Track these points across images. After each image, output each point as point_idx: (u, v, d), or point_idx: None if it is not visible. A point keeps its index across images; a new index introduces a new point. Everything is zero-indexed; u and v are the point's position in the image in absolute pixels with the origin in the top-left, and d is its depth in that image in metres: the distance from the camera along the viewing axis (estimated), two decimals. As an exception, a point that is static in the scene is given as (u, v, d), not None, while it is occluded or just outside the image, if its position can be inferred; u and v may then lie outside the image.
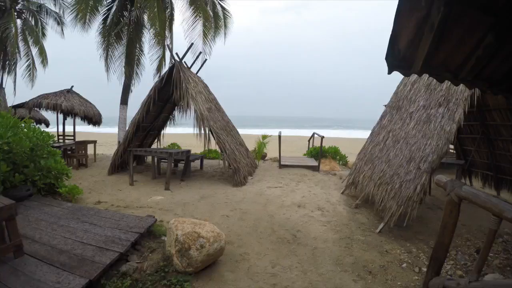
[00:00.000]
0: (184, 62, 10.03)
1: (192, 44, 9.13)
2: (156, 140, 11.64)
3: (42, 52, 14.73)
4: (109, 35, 12.03)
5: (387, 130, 6.57)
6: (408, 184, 4.83)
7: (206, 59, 10.59)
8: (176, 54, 9.47)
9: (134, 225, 4.35)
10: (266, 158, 12.97)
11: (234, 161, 7.69)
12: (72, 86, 12.91)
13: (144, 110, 8.87)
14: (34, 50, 14.83)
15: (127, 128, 9.64)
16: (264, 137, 10.97)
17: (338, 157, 12.01)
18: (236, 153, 8.18)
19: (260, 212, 5.61)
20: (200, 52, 10.09)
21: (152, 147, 12.05)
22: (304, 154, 12.51)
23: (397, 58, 2.24)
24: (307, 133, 51.52)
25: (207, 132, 7.54)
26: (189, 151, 8.32)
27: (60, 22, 15.93)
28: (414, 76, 6.91)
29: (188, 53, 10.71)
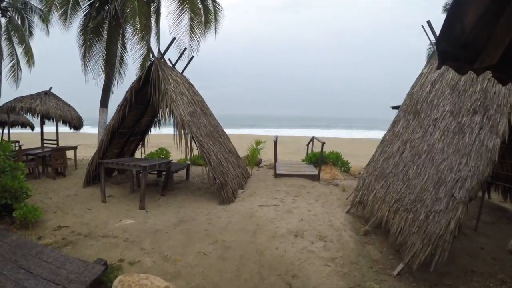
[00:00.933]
0: (169, 59, 8.90)
1: (175, 38, 8.00)
2: (140, 146, 10.51)
3: (28, 52, 13.63)
4: (86, 32, 10.88)
5: (403, 140, 5.45)
6: (437, 217, 3.71)
7: (193, 56, 9.45)
8: (159, 51, 8.36)
9: (75, 276, 3.24)
10: (261, 164, 11.85)
11: (220, 174, 6.56)
12: (51, 88, 11.80)
13: (119, 114, 7.75)
14: (19, 50, 13.74)
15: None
16: (258, 142, 9.84)
17: (339, 163, 10.89)
18: (224, 163, 7.05)
19: (247, 246, 4.48)
20: (185, 48, 8.96)
21: (136, 154, 10.95)
22: (303, 160, 11.39)
23: (456, 44, 1.12)
24: (305, 133, 50.63)
25: (188, 140, 6.42)
26: (169, 162, 7.18)
27: (45, 19, 14.85)
28: (434, 74, 5.79)
29: (176, 50, 9.68)
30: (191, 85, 8.58)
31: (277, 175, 9.13)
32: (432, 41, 6.47)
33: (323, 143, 8.91)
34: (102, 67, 10.60)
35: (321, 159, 9.20)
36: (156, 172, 8.80)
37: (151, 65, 7.27)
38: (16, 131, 14.58)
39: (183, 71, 9.15)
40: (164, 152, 12.18)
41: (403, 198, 4.57)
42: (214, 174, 6.37)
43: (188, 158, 6.96)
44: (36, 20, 14.69)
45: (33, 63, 13.82)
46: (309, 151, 12.51)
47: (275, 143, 9.11)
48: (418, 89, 6.01)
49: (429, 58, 6.59)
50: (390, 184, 5.07)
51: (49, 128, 12.12)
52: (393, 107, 10.04)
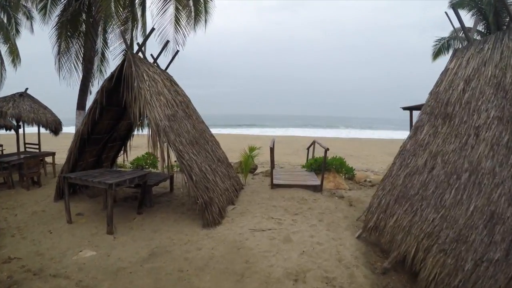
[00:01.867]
0: (151, 55, 7.77)
1: (153, 29, 6.85)
2: (122, 152, 9.39)
3: (14, 51, 12.46)
4: (62, 25, 9.74)
5: (432, 152, 4.33)
6: (492, 269, 2.62)
7: (178, 51, 8.30)
8: (138, 44, 7.24)
9: None
10: (256, 170, 10.73)
11: (204, 191, 5.44)
12: (27, 89, 10.68)
13: (90, 118, 6.64)
14: (4, 49, 12.63)
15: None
16: (252, 149, 8.70)
17: (344, 170, 9.78)
18: (210, 176, 5.92)
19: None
20: (168, 41, 7.81)
21: (120, 160, 9.84)
22: (303, 166, 10.26)
23: None
24: (304, 133, 49.57)
25: (165, 149, 5.30)
26: (145, 175, 6.04)
27: (29, 16, 13.71)
28: (466, 70, 4.67)
29: (167, 46, 8.52)
30: (174, 84, 7.44)
31: (274, 186, 8.01)
32: (457, 27, 5.47)
33: (326, 149, 7.79)
34: (76, 64, 9.44)
35: (324, 167, 8.07)
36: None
37: (124, 60, 6.14)
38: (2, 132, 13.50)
39: (167, 68, 8.03)
40: (152, 157, 11.06)
41: (437, 233, 3.47)
42: (196, 192, 5.24)
43: (165, 169, 5.85)
44: (20, 16, 13.63)
45: (19, 62, 12.71)
46: (309, 155, 11.40)
47: (272, 149, 7.98)
48: (445, 87, 4.89)
49: (455, 51, 5.48)
50: (417, 210, 3.97)
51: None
52: (405, 108, 8.94)
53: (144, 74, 5.96)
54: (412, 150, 4.76)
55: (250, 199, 7.12)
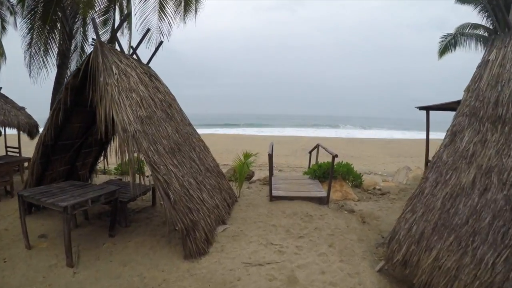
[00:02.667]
0: (131, 47, 6.69)
1: (129, 14, 5.79)
2: (102, 159, 8.31)
3: None
4: (34, 16, 8.65)
5: (482, 167, 3.29)
6: None
7: (161, 41, 7.22)
8: (112, 33, 6.17)
9: None
10: (253, 178, 9.66)
11: (186, 213, 4.37)
12: (0, 88, 9.63)
13: (53, 122, 5.57)
14: None
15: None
16: (247, 156, 7.63)
17: (351, 177, 8.74)
18: (194, 192, 4.85)
19: None
20: (148, 30, 6.72)
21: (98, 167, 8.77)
22: (305, 173, 9.20)
23: None
24: (302, 132, 48.53)
25: (132, 160, 4.22)
26: (114, 191, 4.95)
27: (12, 11, 12.61)
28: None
29: (148, 34, 7.44)
30: (155, 79, 6.34)
31: (273, 198, 6.95)
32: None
33: (334, 156, 6.73)
34: (45, 59, 8.33)
35: (332, 176, 7.01)
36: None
37: (92, 52, 5.06)
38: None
39: (149, 61, 6.95)
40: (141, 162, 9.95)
41: (500, 283, 2.43)
42: (175, 216, 4.16)
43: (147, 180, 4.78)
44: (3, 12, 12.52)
45: (5, 59, 11.60)
46: (313, 160, 10.34)
47: (270, 156, 6.92)
48: (489, 83, 3.85)
49: (492, 41, 4.42)
50: (466, 248, 2.92)
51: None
52: (421, 108, 7.89)
53: (113, 67, 4.87)
54: (451, 162, 3.71)
55: (245, 215, 6.05)
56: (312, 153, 10.33)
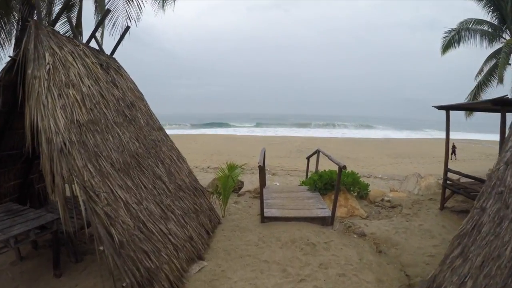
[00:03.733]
0: (95, 38, 5.31)
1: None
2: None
3: None
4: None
5: None
6: None
7: (128, 27, 5.86)
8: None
9: None
10: (242, 190, 8.35)
11: (140, 260, 3.03)
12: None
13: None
14: None
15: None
16: (231, 168, 6.27)
17: (357, 188, 7.49)
18: (155, 226, 3.51)
19: None
20: (108, 10, 5.35)
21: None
22: (303, 183, 7.92)
23: None
24: (296, 132, 47.29)
25: (60, 184, 2.88)
26: (53, 221, 3.59)
27: None
28: None
29: (107, 15, 6.06)
30: (115, 72, 4.97)
31: (265, 219, 5.64)
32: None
33: (341, 167, 5.42)
34: None
35: (338, 192, 5.71)
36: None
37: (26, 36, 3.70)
38: None
39: (113, 51, 5.60)
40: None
41: None
42: (122, 266, 2.83)
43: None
44: None
45: None
46: (307, 167, 9.07)
47: (261, 168, 5.60)
48: None
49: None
50: None
51: None
52: (440, 108, 6.66)
53: (47, 55, 3.52)
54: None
55: (229, 245, 4.73)
56: (311, 158, 9.06)
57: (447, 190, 7.16)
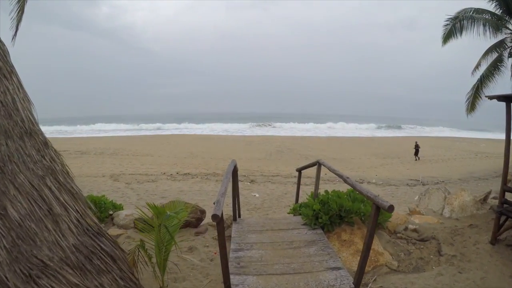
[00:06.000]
0: None
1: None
2: None
3: None
4: None
5: None
6: None
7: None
8: None
9: None
10: (203, 223, 5.56)
11: None
12: None
13: None
14: None
15: None
16: (173, 206, 3.54)
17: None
18: None
19: None
20: None
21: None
22: (293, 210, 5.31)
23: None
24: (276, 131, 44.95)
25: None
26: None
27: None
28: None
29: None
30: None
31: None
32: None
33: (383, 207, 2.82)
34: None
35: (368, 250, 3.13)
36: None
37: None
38: None
39: None
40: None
41: None
42: None
43: None
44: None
45: None
46: (298, 185, 6.47)
47: (219, 220, 2.93)
48: None
49: None
50: None
51: None
52: (500, 98, 4.38)
53: None
54: None
55: None
56: (304, 173, 6.47)
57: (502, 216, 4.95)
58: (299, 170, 6.13)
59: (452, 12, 13.01)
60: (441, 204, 6.57)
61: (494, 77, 12.61)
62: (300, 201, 5.97)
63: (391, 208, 2.69)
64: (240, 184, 14.03)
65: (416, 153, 20.95)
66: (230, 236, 4.47)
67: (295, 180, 14.94)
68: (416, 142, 21.55)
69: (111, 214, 5.79)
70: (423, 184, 13.43)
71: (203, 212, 5.34)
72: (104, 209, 5.66)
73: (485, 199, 6.76)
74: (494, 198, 7.07)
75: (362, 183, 14.47)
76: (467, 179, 14.22)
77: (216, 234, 4.84)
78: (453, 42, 12.98)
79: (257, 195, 11.77)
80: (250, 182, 14.20)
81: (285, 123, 56.65)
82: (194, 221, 4.95)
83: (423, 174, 14.92)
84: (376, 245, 4.40)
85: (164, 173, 15.48)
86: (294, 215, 5.21)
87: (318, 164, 4.72)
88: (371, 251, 4.09)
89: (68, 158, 20.33)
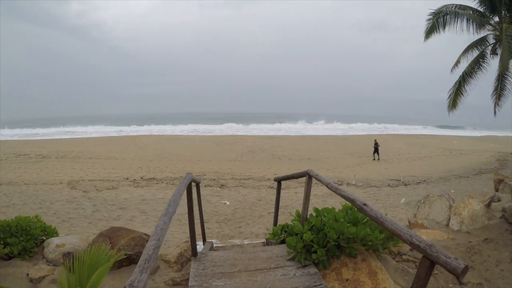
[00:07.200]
0: None
1: None
2: None
3: None
4: None
5: None
6: None
7: None
8: None
9: None
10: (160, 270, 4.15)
11: None
12: None
13: None
14: None
15: None
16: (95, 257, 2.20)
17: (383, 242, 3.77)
18: None
19: None
20: None
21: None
22: (273, 235, 4.02)
23: None
24: (247, 130, 43.67)
25: None
26: None
27: None
28: None
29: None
30: None
31: None
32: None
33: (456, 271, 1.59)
34: None
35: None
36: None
37: None
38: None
39: None
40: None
41: None
42: None
43: None
44: None
45: None
46: (277, 204, 5.16)
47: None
48: None
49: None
50: None
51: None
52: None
53: None
54: None
55: None
56: (281, 186, 5.17)
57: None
58: (279, 181, 4.76)
59: (424, 14, 13.05)
60: (445, 214, 5.56)
61: (477, 73, 12.46)
62: (280, 219, 4.68)
63: (465, 270, 1.48)
64: (208, 190, 12.70)
65: (375, 151, 20.36)
66: (186, 280, 3.14)
67: (269, 183, 13.95)
68: (375, 140, 20.97)
69: (43, 242, 4.29)
70: (405, 185, 12.72)
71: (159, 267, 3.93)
72: (32, 237, 4.12)
73: (489, 205, 5.87)
74: (494, 201, 6.30)
75: (341, 184, 13.52)
76: (448, 178, 13.71)
77: (173, 275, 3.50)
78: (426, 43, 13.11)
79: (227, 203, 10.44)
80: (220, 187, 12.86)
81: (257, 123, 55.64)
82: (139, 256, 3.56)
83: (403, 174, 14.25)
84: (390, 284, 3.23)
85: (127, 178, 14.20)
86: (273, 240, 3.93)
87: (307, 176, 3.40)
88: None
89: (27, 163, 18.32)
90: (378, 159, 20.00)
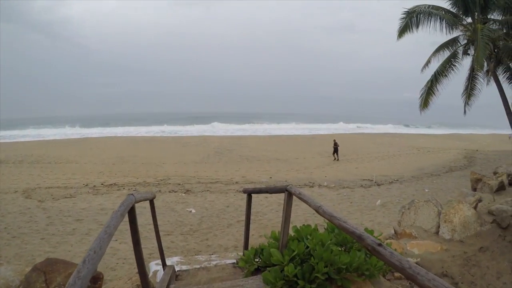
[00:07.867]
0: None
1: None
2: None
3: None
4: None
5: None
6: None
7: None
8: None
9: None
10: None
11: None
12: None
13: None
14: None
15: None
16: None
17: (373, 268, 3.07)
18: None
19: None
20: None
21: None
22: (242, 263, 3.20)
23: None
24: (213, 130, 42.51)
25: None
26: None
27: None
28: None
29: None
30: None
31: None
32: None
33: None
34: None
35: None
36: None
37: None
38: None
39: None
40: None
41: None
42: None
43: None
44: None
45: None
46: (247, 228, 4.33)
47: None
48: None
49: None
50: None
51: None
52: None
53: None
54: None
55: None
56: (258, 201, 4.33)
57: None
58: (249, 193, 3.84)
59: (391, 16, 13.12)
60: (434, 221, 5.02)
61: (449, 73, 12.54)
62: (252, 227, 3.84)
63: None
64: (173, 197, 11.53)
65: (335, 152, 20.20)
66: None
67: (237, 187, 12.98)
68: (334, 141, 20.78)
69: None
70: (378, 185, 12.39)
71: (97, 279, 2.94)
72: None
73: (475, 207, 5.44)
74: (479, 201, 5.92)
75: (313, 186, 13.00)
76: (420, 176, 13.62)
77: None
78: (392, 45, 13.15)
79: (193, 211, 9.47)
80: (185, 193, 11.86)
81: (223, 122, 54.57)
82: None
83: (375, 173, 13.97)
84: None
85: (87, 185, 13.04)
86: (246, 269, 3.10)
87: (287, 193, 2.50)
88: None
89: (-21, 169, 17.01)
90: (338, 159, 19.82)
